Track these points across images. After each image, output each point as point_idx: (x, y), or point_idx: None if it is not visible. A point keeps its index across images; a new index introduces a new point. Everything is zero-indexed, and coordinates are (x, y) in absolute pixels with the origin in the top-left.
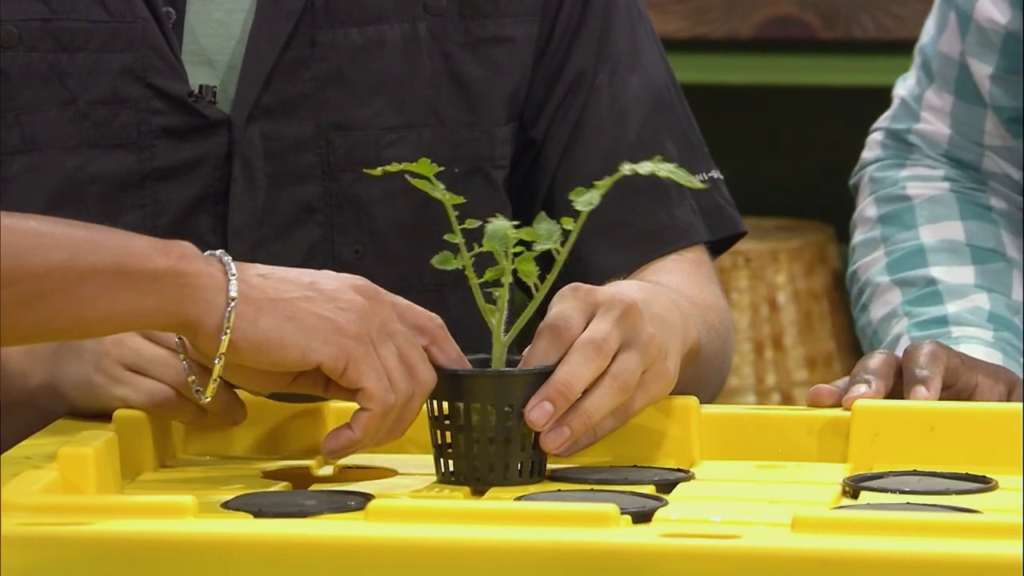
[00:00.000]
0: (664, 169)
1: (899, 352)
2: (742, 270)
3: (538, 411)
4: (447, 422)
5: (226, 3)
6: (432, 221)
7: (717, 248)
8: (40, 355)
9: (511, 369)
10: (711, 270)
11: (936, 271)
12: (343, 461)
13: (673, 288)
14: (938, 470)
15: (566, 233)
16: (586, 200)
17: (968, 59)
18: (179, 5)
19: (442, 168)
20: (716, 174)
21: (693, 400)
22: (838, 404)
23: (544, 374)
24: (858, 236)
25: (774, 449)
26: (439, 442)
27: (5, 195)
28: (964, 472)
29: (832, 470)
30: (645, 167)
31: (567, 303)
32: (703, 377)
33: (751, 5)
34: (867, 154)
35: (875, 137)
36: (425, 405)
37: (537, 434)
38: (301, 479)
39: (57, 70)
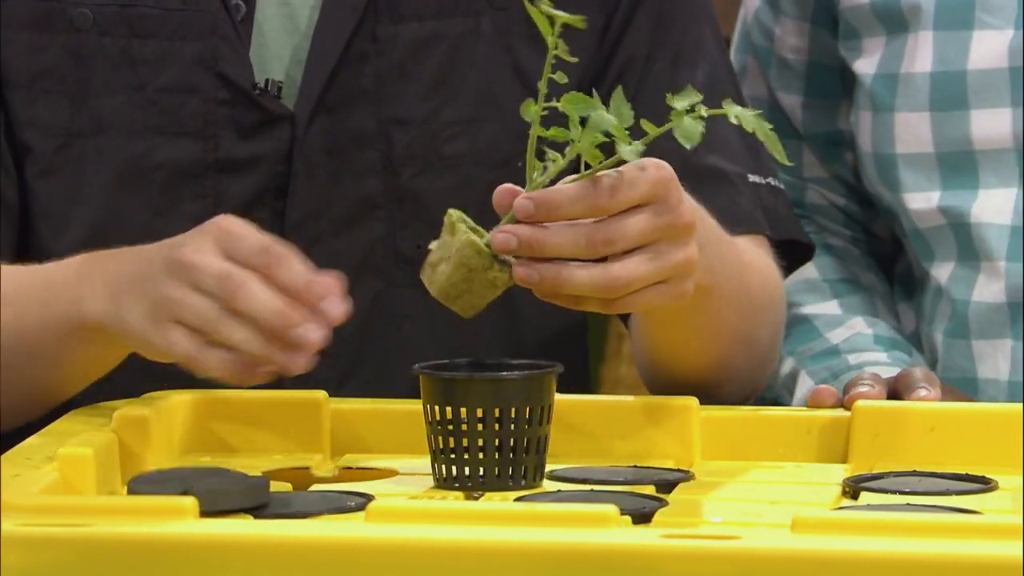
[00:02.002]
0: (735, 113)
1: (797, 390)
2: None
3: (503, 237)
4: (441, 427)
5: None
6: (493, 216)
7: (788, 266)
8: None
9: (506, 373)
10: (770, 256)
11: (805, 309)
12: (342, 462)
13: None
14: (938, 471)
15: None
16: (632, 150)
17: (777, 94)
18: None
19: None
20: (777, 183)
21: (693, 400)
22: (839, 405)
23: (539, 376)
24: None
25: (774, 450)
26: (436, 447)
27: (70, 176)
28: (964, 473)
29: (832, 471)
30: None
31: (639, 174)
32: (712, 325)
33: None
34: None
35: None
36: (422, 410)
37: (539, 438)
38: (301, 479)
39: (128, 55)
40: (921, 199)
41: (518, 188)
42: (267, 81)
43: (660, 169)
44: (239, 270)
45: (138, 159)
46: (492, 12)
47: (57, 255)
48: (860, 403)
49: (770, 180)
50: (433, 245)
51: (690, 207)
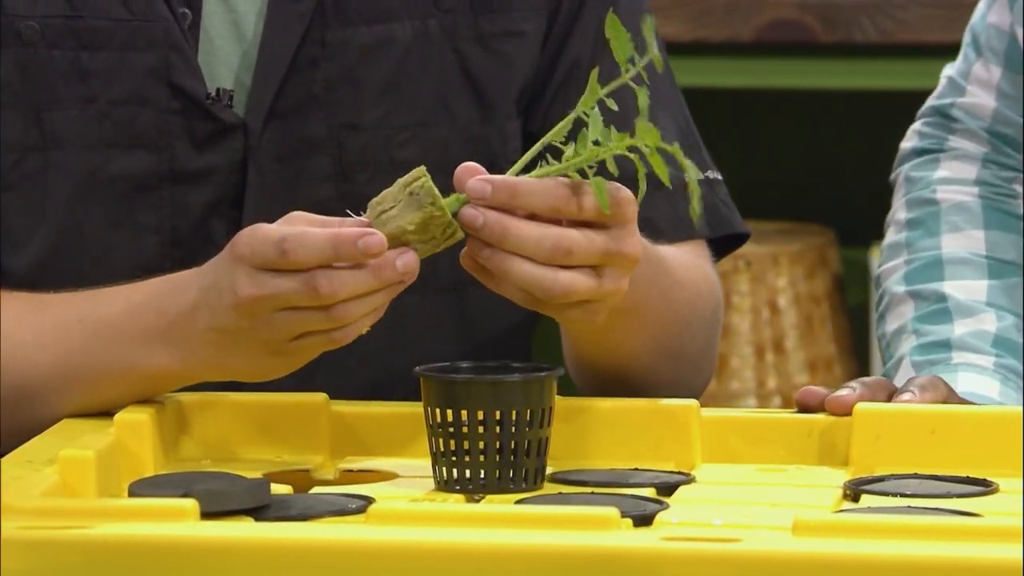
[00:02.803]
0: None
1: (899, 374)
2: (743, 273)
3: (471, 215)
4: (441, 429)
5: (239, 4)
6: None
7: (720, 251)
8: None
9: (507, 376)
10: (707, 262)
11: (949, 286)
12: (343, 464)
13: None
14: (939, 473)
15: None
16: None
17: (1017, 29)
18: (195, 5)
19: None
20: (714, 174)
21: (694, 403)
22: (822, 408)
23: (540, 379)
24: (888, 238)
25: (775, 452)
26: (436, 449)
27: (27, 191)
28: (965, 476)
29: (833, 474)
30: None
31: (611, 195)
32: (638, 340)
33: (751, 9)
34: (905, 144)
35: (915, 126)
36: (423, 412)
37: (540, 441)
38: (302, 482)
39: (78, 68)
40: None
41: (481, 168)
42: (218, 90)
43: (623, 192)
44: (307, 274)
45: (94, 172)
46: (439, 15)
47: (15, 273)
48: (860, 406)
49: (709, 174)
50: (385, 192)
51: (639, 240)
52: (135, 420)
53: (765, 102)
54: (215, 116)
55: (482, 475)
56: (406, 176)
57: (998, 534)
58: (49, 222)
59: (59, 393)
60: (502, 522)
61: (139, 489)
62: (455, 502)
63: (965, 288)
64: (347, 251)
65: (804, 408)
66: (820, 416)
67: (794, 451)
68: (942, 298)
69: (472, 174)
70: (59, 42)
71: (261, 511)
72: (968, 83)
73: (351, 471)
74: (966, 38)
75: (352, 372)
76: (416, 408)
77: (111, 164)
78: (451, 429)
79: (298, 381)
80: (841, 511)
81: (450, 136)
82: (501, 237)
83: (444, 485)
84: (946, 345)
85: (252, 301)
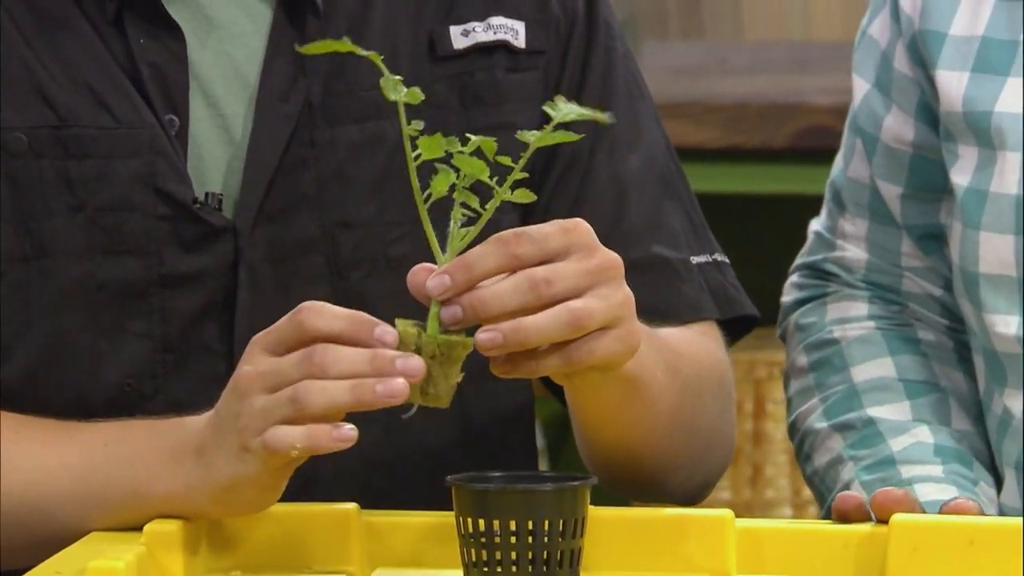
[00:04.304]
0: (569, 112)
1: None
2: (777, 380)
3: (449, 313)
4: (473, 539)
5: (226, 108)
6: None
7: (731, 335)
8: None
9: (540, 485)
10: (714, 341)
11: (873, 411)
12: (374, 575)
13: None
14: None
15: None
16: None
17: (878, 182)
18: (181, 112)
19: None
20: (721, 257)
21: (728, 513)
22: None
23: (573, 488)
24: (792, 387)
25: (811, 564)
26: (468, 559)
27: (15, 302)
28: None
29: None
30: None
31: (547, 227)
32: (648, 416)
33: (785, 115)
34: (786, 299)
35: (792, 279)
36: (455, 522)
37: (572, 551)
38: None
39: (65, 176)
40: (1001, 322)
41: (430, 265)
42: (207, 195)
43: (566, 222)
44: (310, 348)
45: (82, 279)
46: (429, 110)
47: (3, 378)
48: (898, 517)
49: (716, 256)
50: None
51: (610, 252)
52: (165, 531)
53: (799, 207)
54: (203, 219)
55: None
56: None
57: None
58: (35, 332)
59: (75, 514)
60: None
61: None
62: None
63: (889, 411)
64: (364, 332)
65: (841, 514)
66: (857, 527)
67: (831, 562)
68: (869, 422)
69: (423, 277)
70: (46, 152)
71: None
72: (837, 238)
73: None
74: (827, 193)
75: (353, 477)
76: (447, 518)
77: (99, 271)
78: (483, 539)
79: (299, 486)
80: None
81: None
82: (483, 307)
83: None
84: (890, 462)
85: (250, 377)
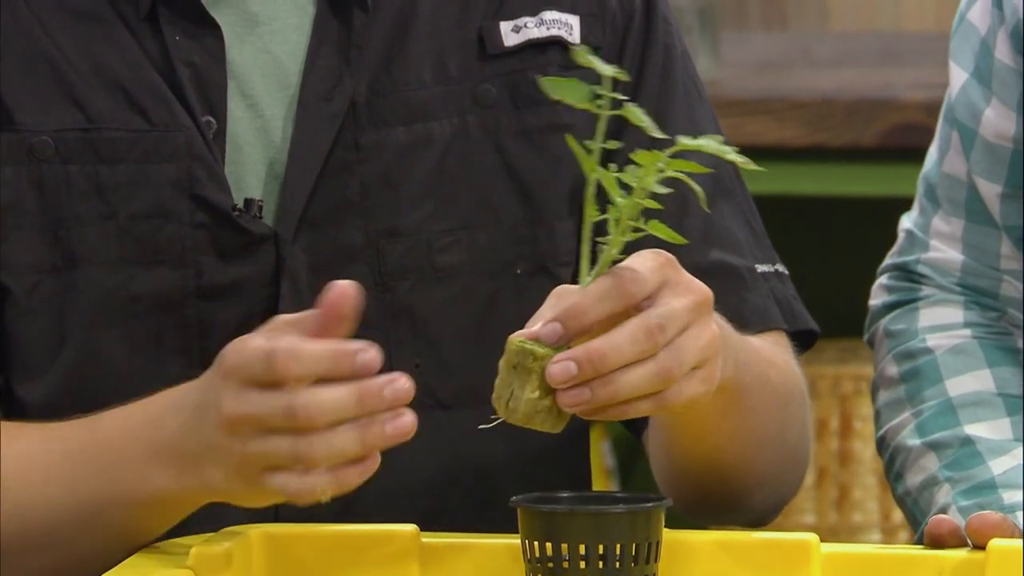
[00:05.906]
0: (711, 146)
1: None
2: (865, 396)
3: (560, 368)
4: (540, 564)
5: (267, 109)
6: (495, 327)
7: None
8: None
9: (612, 507)
10: (787, 351)
11: (970, 429)
12: None
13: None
14: None
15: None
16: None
17: (975, 179)
18: (219, 113)
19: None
20: (783, 268)
21: (813, 537)
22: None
23: (647, 511)
24: (881, 398)
25: None
26: None
27: (46, 315)
28: None
29: None
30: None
31: (648, 261)
32: (744, 428)
33: (874, 112)
34: (874, 302)
35: (881, 281)
36: (521, 545)
37: None
38: None
39: (96, 183)
40: None
41: (542, 313)
42: (246, 201)
43: (657, 254)
44: (290, 394)
45: (114, 292)
46: (479, 111)
47: (32, 404)
48: (995, 543)
49: (777, 267)
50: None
51: (698, 282)
52: (212, 554)
53: (888, 210)
54: (243, 228)
55: None
56: (503, 356)
57: None
58: (67, 348)
59: (71, 530)
60: None
61: None
62: None
63: (988, 428)
64: (345, 365)
65: (934, 539)
66: (951, 553)
67: None
68: (967, 441)
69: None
70: (75, 157)
71: None
72: (930, 237)
73: None
74: (920, 188)
75: (398, 499)
76: (513, 541)
77: (133, 283)
78: (551, 564)
79: (342, 507)
80: None
81: (495, 239)
82: (601, 363)
83: None
84: (990, 486)
85: (234, 420)
